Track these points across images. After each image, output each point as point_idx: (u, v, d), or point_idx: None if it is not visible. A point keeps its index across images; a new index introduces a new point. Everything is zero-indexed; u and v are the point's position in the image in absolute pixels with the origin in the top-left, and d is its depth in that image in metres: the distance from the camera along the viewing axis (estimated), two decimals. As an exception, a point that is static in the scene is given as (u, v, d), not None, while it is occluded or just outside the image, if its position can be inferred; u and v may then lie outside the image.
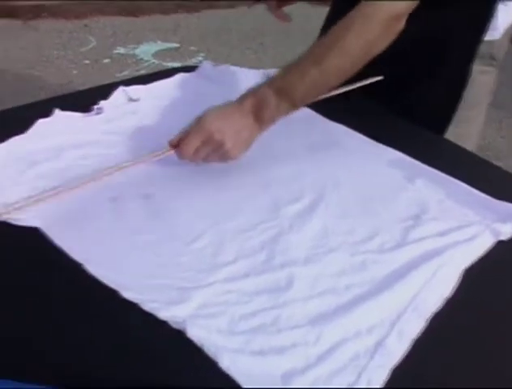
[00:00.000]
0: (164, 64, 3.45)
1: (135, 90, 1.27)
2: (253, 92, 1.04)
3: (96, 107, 1.20)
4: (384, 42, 1.03)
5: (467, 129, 1.36)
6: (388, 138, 1.17)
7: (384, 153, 1.14)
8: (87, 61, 3.53)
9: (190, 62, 3.50)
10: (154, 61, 3.51)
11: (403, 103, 1.29)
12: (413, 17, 1.02)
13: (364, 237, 0.93)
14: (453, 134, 1.29)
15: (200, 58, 3.58)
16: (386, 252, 0.90)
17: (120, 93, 1.26)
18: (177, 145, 1.01)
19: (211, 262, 0.86)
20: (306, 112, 1.23)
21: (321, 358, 0.72)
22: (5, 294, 0.79)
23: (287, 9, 1.35)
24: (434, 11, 1.14)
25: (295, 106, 1.05)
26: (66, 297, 0.79)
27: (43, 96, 3.11)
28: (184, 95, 1.29)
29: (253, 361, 0.71)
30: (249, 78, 1.28)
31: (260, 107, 1.02)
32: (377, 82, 1.27)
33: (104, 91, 1.27)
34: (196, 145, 1.00)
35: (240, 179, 1.04)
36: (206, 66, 1.41)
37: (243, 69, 1.40)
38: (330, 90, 1.12)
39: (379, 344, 0.75)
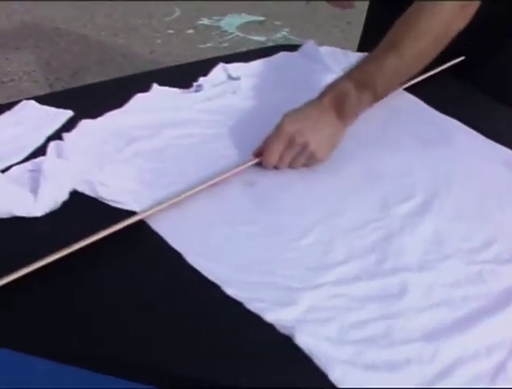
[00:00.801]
0: (249, 37, 3.40)
1: (236, 67, 1.22)
2: (331, 87, 0.99)
3: (195, 84, 1.15)
4: (460, 23, 0.98)
5: None
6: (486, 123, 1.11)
7: (499, 153, 1.06)
8: (170, 31, 3.51)
9: (275, 37, 3.43)
10: (238, 34, 3.46)
11: (484, 79, 1.23)
12: None
13: (481, 244, 0.86)
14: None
15: (284, 33, 3.51)
16: (503, 263, 0.83)
17: (220, 70, 1.21)
18: (260, 154, 0.96)
19: (320, 260, 0.80)
20: (414, 102, 1.16)
21: (437, 378, 0.66)
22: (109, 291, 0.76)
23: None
24: None
25: (377, 97, 1.00)
26: (167, 292, 0.75)
27: (126, 64, 3.11)
28: (286, 75, 1.23)
29: (365, 376, 0.66)
30: (351, 61, 1.21)
31: (341, 101, 0.97)
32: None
33: (203, 67, 1.23)
34: (279, 151, 0.95)
35: (347, 171, 0.98)
36: (310, 45, 1.34)
37: (347, 51, 1.33)
38: (411, 76, 1.08)
39: (500, 367, 0.69)
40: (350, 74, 0.99)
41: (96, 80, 2.79)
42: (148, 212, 0.84)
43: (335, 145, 0.98)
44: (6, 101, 1.09)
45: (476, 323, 0.73)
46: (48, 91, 2.76)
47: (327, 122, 0.97)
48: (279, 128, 0.95)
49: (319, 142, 0.95)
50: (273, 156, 0.95)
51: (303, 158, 0.96)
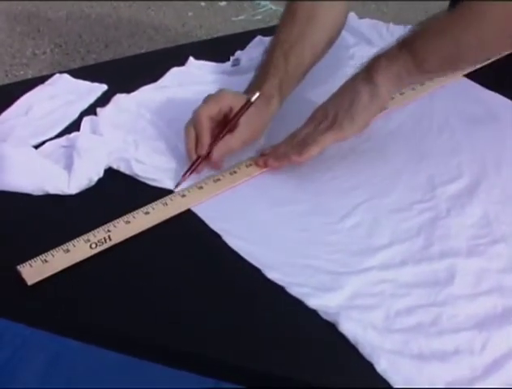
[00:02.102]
0: (283, 10, 3.32)
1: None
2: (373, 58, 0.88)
3: (232, 58, 1.12)
4: (500, 45, 0.87)
5: None
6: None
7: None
8: (202, 4, 3.46)
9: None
10: (271, 6, 3.40)
11: None
12: None
13: (531, 227, 0.82)
14: None
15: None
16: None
17: (257, 43, 1.18)
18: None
19: (364, 243, 0.77)
20: (461, 81, 1.12)
21: (488, 371, 0.63)
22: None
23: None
24: None
25: (416, 57, 0.84)
26: (207, 277, 0.73)
27: (158, 37, 3.08)
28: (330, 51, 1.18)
29: (412, 366, 0.63)
30: (394, 34, 1.16)
31: (369, 66, 0.87)
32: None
33: (240, 40, 1.19)
34: (308, 130, 0.88)
35: (392, 150, 0.95)
36: (350, 18, 1.28)
37: (389, 24, 1.29)
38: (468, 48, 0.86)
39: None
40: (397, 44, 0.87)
41: (127, 54, 2.79)
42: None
43: (368, 108, 0.87)
44: (39, 75, 1.07)
45: (529, 312, 0.70)
46: (80, 64, 2.74)
47: (350, 89, 0.88)
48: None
49: (343, 109, 0.86)
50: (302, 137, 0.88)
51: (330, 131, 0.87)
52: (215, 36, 3.05)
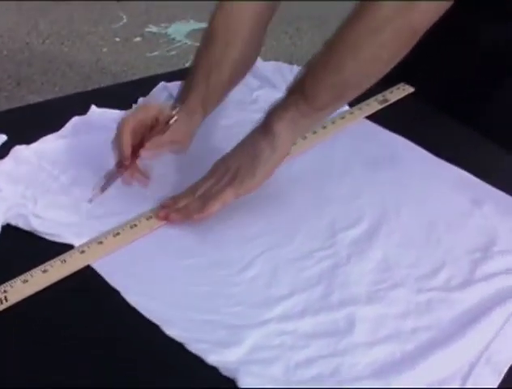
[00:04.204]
0: (197, 45, 3.33)
1: (177, 86, 1.17)
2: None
3: (134, 106, 1.11)
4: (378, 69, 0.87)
5: None
6: (447, 150, 1.08)
7: (447, 172, 1.04)
8: (117, 39, 3.44)
9: (223, 45, 3.39)
10: (186, 41, 3.41)
11: (467, 111, 1.19)
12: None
13: (429, 270, 0.84)
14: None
15: (233, 41, 3.46)
16: (453, 290, 0.81)
17: (160, 90, 1.17)
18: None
19: (264, 295, 0.77)
20: (363, 122, 1.14)
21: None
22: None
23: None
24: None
25: (305, 96, 0.86)
26: (105, 335, 0.72)
27: (72, 74, 3.04)
28: (234, 94, 1.19)
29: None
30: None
31: (266, 117, 0.89)
32: (441, 90, 1.18)
33: (145, 84, 1.18)
34: (210, 184, 0.89)
35: (292, 197, 0.95)
36: (258, 63, 1.30)
37: (293, 66, 1.30)
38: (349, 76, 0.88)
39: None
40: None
41: (40, 90, 2.75)
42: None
43: (269, 161, 0.87)
44: None
45: (427, 357, 0.71)
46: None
47: (250, 143, 0.89)
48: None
49: (244, 164, 0.87)
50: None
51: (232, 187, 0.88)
52: (130, 72, 3.05)
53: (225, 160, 0.90)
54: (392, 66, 0.86)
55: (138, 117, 0.89)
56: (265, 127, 0.88)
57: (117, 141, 0.88)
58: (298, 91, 0.86)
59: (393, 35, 0.82)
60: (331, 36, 0.85)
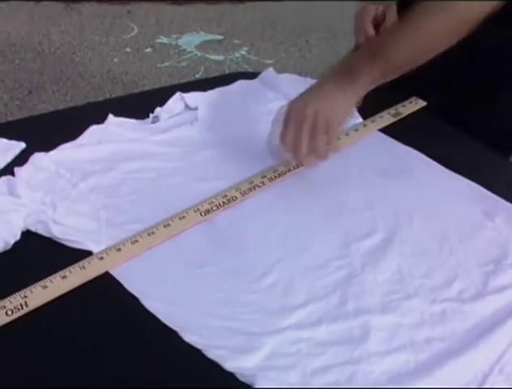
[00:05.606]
0: (207, 56, 3.37)
1: (193, 97, 1.20)
2: (339, 62, 0.97)
3: (151, 115, 1.13)
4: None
5: None
6: (459, 163, 1.09)
7: (459, 184, 1.05)
8: (128, 50, 3.46)
9: (233, 56, 3.42)
10: (196, 53, 3.43)
11: (467, 120, 1.20)
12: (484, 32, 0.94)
13: (443, 281, 0.85)
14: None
15: (243, 52, 3.50)
16: (466, 302, 0.82)
17: (177, 100, 1.19)
18: None
19: (280, 302, 0.79)
20: (375, 135, 1.16)
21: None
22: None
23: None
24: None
25: (389, 62, 0.95)
26: (123, 339, 0.73)
27: (83, 83, 3.06)
28: (245, 104, 1.21)
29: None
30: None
31: (346, 68, 0.95)
32: (441, 98, 1.22)
33: (160, 95, 1.20)
34: (292, 133, 0.93)
35: (307, 207, 0.96)
36: (269, 73, 1.32)
37: (306, 79, 1.32)
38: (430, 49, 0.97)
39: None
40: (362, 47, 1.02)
41: (52, 99, 2.77)
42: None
43: (349, 108, 0.96)
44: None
45: (441, 366, 0.72)
46: (2, 110, 2.70)
47: (334, 87, 0.94)
48: (286, 113, 0.93)
49: (330, 107, 0.92)
50: (288, 142, 0.93)
51: (320, 131, 0.92)
52: (141, 82, 3.07)
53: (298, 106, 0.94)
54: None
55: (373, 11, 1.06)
56: (344, 77, 0.94)
57: (360, 28, 1.05)
58: (382, 57, 0.94)
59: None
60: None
